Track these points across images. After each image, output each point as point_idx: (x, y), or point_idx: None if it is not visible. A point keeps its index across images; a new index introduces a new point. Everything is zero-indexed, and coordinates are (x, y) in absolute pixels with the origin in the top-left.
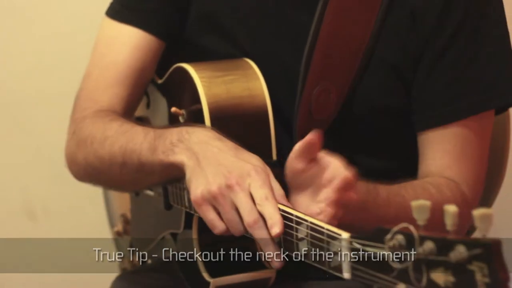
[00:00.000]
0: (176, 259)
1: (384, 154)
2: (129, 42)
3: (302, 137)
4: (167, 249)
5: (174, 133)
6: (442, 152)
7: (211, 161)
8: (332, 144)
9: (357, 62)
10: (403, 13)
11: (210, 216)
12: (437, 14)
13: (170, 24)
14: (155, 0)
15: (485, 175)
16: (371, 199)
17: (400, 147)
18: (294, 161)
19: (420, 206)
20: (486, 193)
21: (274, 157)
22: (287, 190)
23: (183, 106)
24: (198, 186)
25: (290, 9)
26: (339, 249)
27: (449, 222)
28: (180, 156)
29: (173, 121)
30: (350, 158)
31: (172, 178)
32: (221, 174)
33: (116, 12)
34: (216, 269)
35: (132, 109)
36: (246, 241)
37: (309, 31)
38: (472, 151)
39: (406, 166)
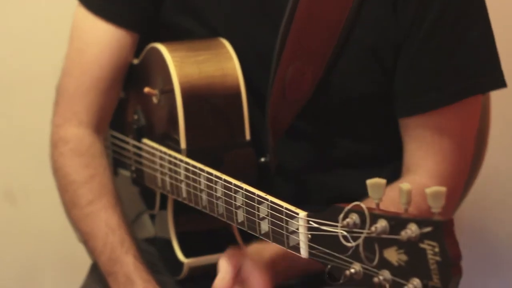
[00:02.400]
0: (153, 240)
1: (363, 137)
2: (103, 41)
3: (275, 117)
4: (145, 230)
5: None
6: (421, 142)
7: None
8: (308, 125)
9: (332, 44)
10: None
11: None
12: (418, 1)
13: (143, 13)
14: None
15: (469, 163)
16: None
17: (379, 130)
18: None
19: (375, 184)
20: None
21: (247, 136)
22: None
23: (157, 86)
24: None
25: None
26: (297, 228)
27: (403, 201)
28: None
29: (148, 102)
30: (327, 141)
31: None
32: None
33: (90, 2)
34: (191, 250)
35: (111, 111)
36: (221, 222)
37: (284, 11)
38: (452, 140)
39: (386, 149)
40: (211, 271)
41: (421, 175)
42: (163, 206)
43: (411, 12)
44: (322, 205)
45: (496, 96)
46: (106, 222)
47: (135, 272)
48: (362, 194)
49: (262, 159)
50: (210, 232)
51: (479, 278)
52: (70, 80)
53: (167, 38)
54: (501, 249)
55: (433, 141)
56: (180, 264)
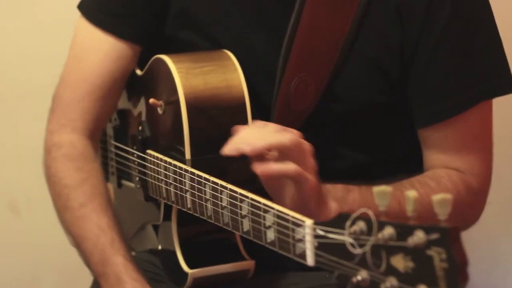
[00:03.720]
0: (157, 251)
1: (367, 148)
2: (102, 51)
3: None
4: (149, 241)
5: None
6: (444, 148)
7: None
8: (313, 136)
9: (335, 55)
10: (386, 8)
11: None
12: (425, 9)
13: (145, 27)
14: (130, 4)
15: (491, 164)
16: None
17: (383, 141)
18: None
19: (381, 192)
20: None
21: None
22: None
23: (162, 97)
24: None
25: (266, 1)
26: (303, 236)
27: (409, 208)
28: None
29: (153, 113)
30: (332, 151)
31: None
32: None
33: (91, 15)
34: (195, 261)
35: (106, 119)
36: (225, 232)
37: (286, 23)
38: (474, 143)
39: (390, 160)
40: (215, 282)
41: (443, 170)
42: (167, 217)
43: (418, 22)
44: None
45: (495, 101)
46: (97, 223)
47: (125, 271)
48: None
49: None
50: (214, 242)
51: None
52: (65, 87)
53: (172, 50)
54: (504, 253)
55: (458, 145)
56: (185, 274)
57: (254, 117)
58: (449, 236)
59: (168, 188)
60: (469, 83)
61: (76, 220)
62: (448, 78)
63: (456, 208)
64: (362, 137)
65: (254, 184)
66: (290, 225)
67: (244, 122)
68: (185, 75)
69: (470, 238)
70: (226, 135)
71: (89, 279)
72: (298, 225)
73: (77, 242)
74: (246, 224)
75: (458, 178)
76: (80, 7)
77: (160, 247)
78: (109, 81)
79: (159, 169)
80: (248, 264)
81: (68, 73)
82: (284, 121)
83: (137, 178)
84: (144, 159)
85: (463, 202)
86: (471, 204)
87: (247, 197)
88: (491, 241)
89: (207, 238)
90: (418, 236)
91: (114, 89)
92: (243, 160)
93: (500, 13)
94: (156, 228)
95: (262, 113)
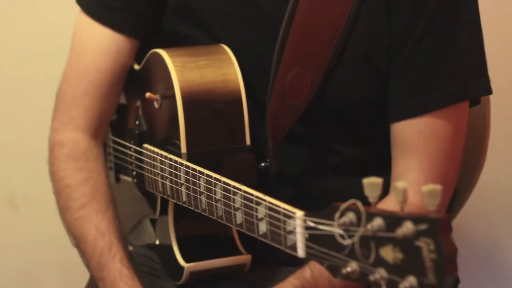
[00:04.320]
0: (154, 245)
1: (361, 142)
2: (101, 46)
3: (274, 122)
4: (147, 236)
5: None
6: (408, 149)
7: None
8: (307, 131)
9: (331, 49)
10: (378, 3)
11: None
12: (411, 5)
13: (144, 21)
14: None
15: (457, 172)
16: None
17: (377, 136)
18: None
19: (371, 183)
20: (464, 182)
21: (248, 141)
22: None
23: (158, 92)
24: None
25: None
26: (294, 227)
27: (399, 199)
28: None
29: (149, 107)
30: (327, 147)
31: None
32: None
33: (90, 8)
34: (191, 255)
35: (109, 116)
36: (222, 226)
37: (282, 17)
38: (441, 147)
39: (385, 155)
40: (211, 276)
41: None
42: (164, 211)
43: (404, 17)
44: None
45: (495, 101)
46: (96, 226)
47: (120, 278)
48: (362, 199)
49: (262, 164)
50: (210, 237)
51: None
52: (67, 85)
53: (169, 44)
54: (501, 255)
55: (421, 148)
56: (181, 268)
57: (250, 111)
58: (438, 227)
59: (164, 181)
60: (445, 82)
61: (75, 220)
62: (425, 75)
63: None
64: (357, 133)
65: (249, 179)
66: (281, 217)
67: (240, 116)
68: (181, 69)
69: (471, 238)
70: (222, 129)
71: (87, 275)
72: (289, 217)
73: (77, 243)
74: (239, 217)
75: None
76: (79, 1)
77: (157, 242)
78: (109, 76)
79: (155, 163)
80: (244, 258)
81: (69, 69)
82: (279, 116)
83: (134, 172)
84: (140, 153)
85: None
86: None
87: (240, 189)
88: (492, 241)
89: (203, 232)
90: (407, 227)
91: (115, 84)
92: (239, 154)
93: (501, 13)
94: (153, 222)
95: (258, 107)
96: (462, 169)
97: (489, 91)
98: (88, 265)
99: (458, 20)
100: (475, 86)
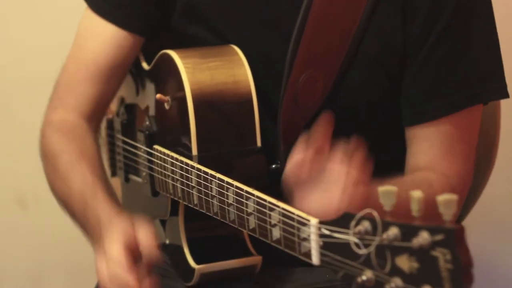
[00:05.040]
0: (164, 246)
1: (372, 145)
2: (103, 39)
3: (286, 123)
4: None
5: (102, 225)
6: (430, 147)
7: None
8: None
9: (344, 52)
10: (393, 7)
11: None
12: (427, 9)
13: (149, 19)
14: None
15: (473, 168)
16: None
17: (387, 138)
18: (300, 150)
19: (386, 191)
20: (475, 184)
21: (258, 143)
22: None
23: (169, 93)
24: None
25: None
26: (308, 235)
27: (415, 208)
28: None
29: (160, 108)
30: None
31: None
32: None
33: (96, 5)
34: (202, 256)
35: (103, 104)
36: (232, 228)
37: (295, 18)
38: (460, 146)
39: (395, 158)
40: (222, 277)
41: (432, 172)
42: (174, 212)
43: (420, 22)
44: None
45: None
46: (83, 177)
47: (102, 211)
48: None
49: (273, 166)
50: (221, 238)
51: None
52: (64, 75)
53: (179, 45)
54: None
55: (443, 147)
56: (191, 270)
57: (261, 113)
58: (454, 237)
59: (175, 184)
60: (461, 85)
61: (63, 179)
62: (440, 78)
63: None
64: (367, 134)
65: (260, 181)
66: (295, 224)
67: (251, 117)
68: (192, 71)
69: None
70: (232, 131)
71: (95, 275)
72: (304, 224)
73: (64, 202)
74: (252, 222)
75: (445, 182)
76: (89, 1)
77: (167, 242)
78: (107, 67)
79: (166, 165)
80: (255, 259)
81: (69, 60)
82: (291, 118)
83: (144, 173)
84: (151, 154)
85: None
86: None
87: (253, 194)
88: (493, 241)
89: (214, 234)
90: (423, 237)
91: (113, 76)
92: (249, 156)
93: (501, 13)
94: (163, 223)
95: (269, 109)
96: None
97: (505, 95)
98: (75, 219)
99: (474, 24)
100: (490, 89)
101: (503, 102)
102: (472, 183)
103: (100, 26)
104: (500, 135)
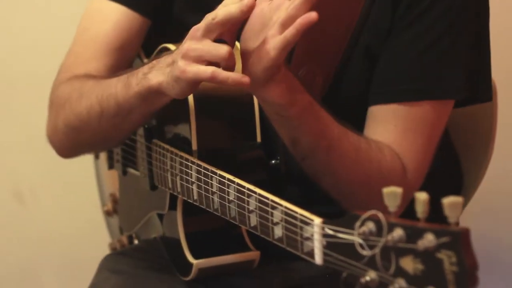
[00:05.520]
0: (161, 240)
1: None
2: (110, 19)
3: None
4: (153, 230)
5: (145, 66)
6: (388, 129)
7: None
8: None
9: (342, 48)
10: (386, 2)
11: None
12: None
13: (156, 1)
14: None
15: (429, 163)
16: (316, 109)
17: None
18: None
19: (391, 192)
20: (469, 182)
21: (259, 139)
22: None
23: None
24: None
25: None
26: (311, 234)
27: (420, 210)
28: (155, 79)
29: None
30: None
31: (152, 110)
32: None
33: None
34: (199, 251)
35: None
36: (230, 223)
37: None
38: (415, 136)
39: None
40: (220, 272)
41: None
42: (173, 206)
43: (403, 6)
44: (330, 207)
45: (502, 99)
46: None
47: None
48: None
49: (273, 162)
50: (219, 233)
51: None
52: (70, 55)
53: (179, 37)
54: (505, 253)
55: (397, 131)
56: (189, 265)
57: (261, 108)
58: (459, 240)
59: (174, 178)
60: (420, 76)
61: (79, 98)
62: (402, 63)
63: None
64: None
65: (260, 176)
66: (298, 223)
67: (251, 113)
68: None
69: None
70: (232, 126)
71: (91, 268)
72: (307, 223)
73: (88, 109)
74: (254, 219)
75: (396, 156)
76: None
77: (165, 236)
78: (116, 46)
79: (165, 160)
80: (253, 255)
81: (74, 43)
82: None
83: (143, 167)
84: (150, 148)
85: (394, 177)
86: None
87: (254, 192)
88: (496, 239)
89: (212, 228)
90: (428, 239)
91: (121, 57)
92: (249, 151)
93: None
94: (161, 217)
95: None
96: (469, 165)
97: (473, 96)
98: (100, 113)
99: (455, 18)
100: (450, 88)
101: (501, 100)
102: (467, 180)
103: (109, 8)
104: (497, 133)
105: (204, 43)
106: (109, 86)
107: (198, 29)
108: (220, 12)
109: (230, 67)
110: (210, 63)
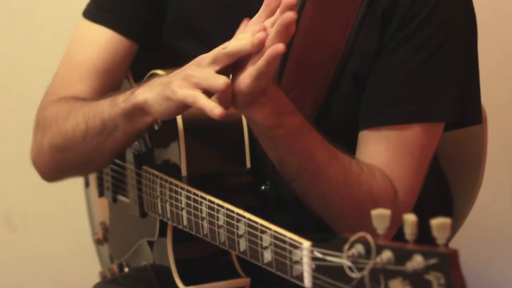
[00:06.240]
0: (152, 267)
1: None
2: (96, 42)
3: None
4: (144, 257)
5: (135, 85)
6: (379, 152)
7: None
8: None
9: (330, 73)
10: (374, 20)
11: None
12: (402, 16)
13: (143, 25)
14: (128, 1)
15: (420, 185)
16: (306, 131)
17: None
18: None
19: (380, 215)
20: (462, 205)
21: (248, 164)
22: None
23: None
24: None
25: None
26: (300, 257)
27: (408, 231)
28: (141, 95)
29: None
30: None
31: (135, 130)
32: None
33: (90, 13)
34: (190, 278)
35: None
36: (220, 249)
37: None
38: (406, 159)
39: None
40: None
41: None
42: (163, 233)
43: (392, 28)
44: (321, 233)
45: (492, 122)
46: (104, 98)
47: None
48: None
49: (262, 187)
50: (209, 260)
51: None
52: (56, 79)
53: (168, 61)
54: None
55: (387, 155)
56: None
57: (251, 135)
58: (448, 261)
59: (164, 205)
60: (413, 98)
61: (66, 117)
62: (390, 87)
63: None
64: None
65: (249, 202)
66: (287, 247)
67: (241, 138)
68: None
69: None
70: (222, 151)
71: None
72: (295, 247)
73: (73, 127)
74: (243, 244)
75: (387, 180)
76: (84, 13)
77: (155, 264)
78: (102, 69)
79: (154, 186)
80: (243, 281)
81: (61, 66)
82: None
83: (133, 194)
84: (139, 175)
85: (385, 201)
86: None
87: (244, 216)
88: (488, 262)
89: (202, 255)
90: (417, 261)
91: (107, 80)
92: (239, 177)
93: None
94: (151, 244)
95: None
96: (458, 190)
97: (473, 122)
98: (84, 132)
99: (443, 42)
100: (436, 110)
101: (490, 119)
102: (458, 204)
103: (95, 32)
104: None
105: (205, 72)
106: (96, 105)
107: (205, 58)
108: (231, 44)
109: (225, 99)
110: (206, 91)
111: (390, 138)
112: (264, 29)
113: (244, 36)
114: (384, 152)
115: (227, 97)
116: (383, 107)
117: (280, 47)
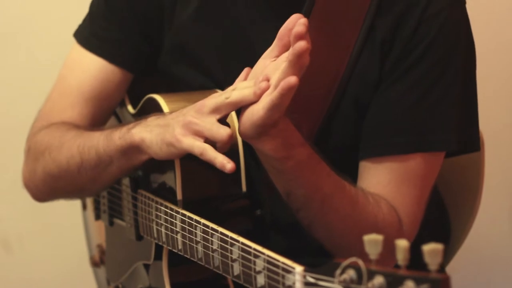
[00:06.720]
0: None
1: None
2: (88, 69)
3: None
4: (140, 280)
5: (131, 122)
6: (382, 182)
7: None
8: None
9: (329, 99)
10: (373, 46)
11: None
12: (403, 46)
13: (137, 55)
14: (123, 30)
15: (422, 213)
16: (314, 162)
17: None
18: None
19: (372, 240)
20: (459, 230)
21: (244, 188)
22: None
23: None
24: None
25: (260, 39)
26: (293, 282)
27: (400, 257)
28: (138, 135)
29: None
30: None
31: (130, 166)
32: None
33: (84, 39)
34: None
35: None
36: (215, 273)
37: None
38: (409, 188)
39: None
40: None
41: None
42: (158, 256)
43: (393, 57)
44: (316, 258)
45: (490, 148)
46: (98, 131)
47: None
48: None
49: (258, 212)
50: (204, 283)
51: None
52: (47, 103)
53: (164, 87)
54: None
55: (390, 185)
56: None
57: (246, 159)
58: (439, 287)
59: (159, 228)
60: (415, 129)
61: (59, 149)
62: (398, 117)
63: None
64: (353, 174)
65: (244, 226)
66: (280, 271)
67: (237, 163)
68: None
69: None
70: (217, 176)
71: None
72: (288, 271)
73: (65, 164)
74: (237, 268)
75: (393, 209)
76: (75, 34)
77: (150, 286)
78: (92, 97)
79: (150, 209)
80: None
81: (53, 90)
82: None
83: (129, 217)
84: (135, 198)
85: (391, 231)
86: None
87: (237, 241)
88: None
89: (197, 279)
90: (408, 286)
91: (98, 108)
92: (234, 201)
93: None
94: (147, 267)
95: (254, 154)
96: (456, 215)
97: (471, 149)
98: (80, 164)
99: (443, 73)
100: (435, 141)
101: (487, 144)
102: (456, 228)
103: (88, 60)
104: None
105: (208, 121)
106: (92, 138)
107: (206, 105)
108: (235, 94)
109: (225, 149)
110: (207, 140)
111: (392, 168)
112: (267, 79)
113: (247, 85)
114: (386, 182)
115: (227, 147)
116: (384, 137)
117: (293, 80)
